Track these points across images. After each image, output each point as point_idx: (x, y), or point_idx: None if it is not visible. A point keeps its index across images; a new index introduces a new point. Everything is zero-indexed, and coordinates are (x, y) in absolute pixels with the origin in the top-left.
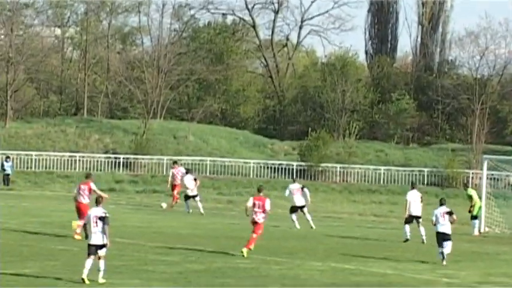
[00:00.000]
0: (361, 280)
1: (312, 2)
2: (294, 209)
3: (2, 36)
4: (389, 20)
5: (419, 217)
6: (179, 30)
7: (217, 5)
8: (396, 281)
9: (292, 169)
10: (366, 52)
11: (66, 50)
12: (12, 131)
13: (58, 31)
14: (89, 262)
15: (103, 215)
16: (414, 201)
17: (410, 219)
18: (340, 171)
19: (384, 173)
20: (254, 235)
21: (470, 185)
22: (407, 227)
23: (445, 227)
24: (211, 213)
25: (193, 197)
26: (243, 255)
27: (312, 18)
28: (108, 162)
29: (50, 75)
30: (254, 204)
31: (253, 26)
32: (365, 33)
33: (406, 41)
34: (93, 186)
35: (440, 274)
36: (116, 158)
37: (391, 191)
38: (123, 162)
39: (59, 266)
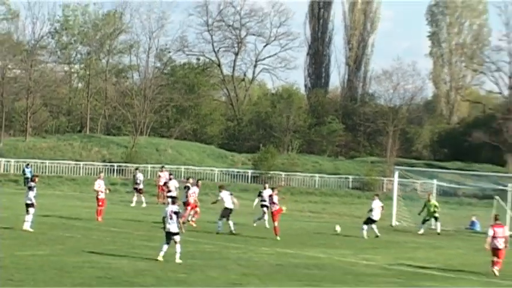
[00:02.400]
0: (300, 262)
1: (264, 47)
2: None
3: (24, 71)
4: (324, 61)
5: (232, 210)
6: (161, 68)
7: (191, 48)
8: (327, 262)
9: (247, 175)
10: (305, 86)
11: (73, 82)
12: (30, 144)
13: (67, 67)
14: (166, 246)
15: (177, 210)
16: (226, 198)
17: (226, 212)
18: (284, 178)
19: (318, 179)
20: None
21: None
22: (220, 221)
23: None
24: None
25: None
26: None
27: (264, 59)
28: (105, 169)
29: (60, 101)
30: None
31: (219, 65)
32: (304, 71)
33: (336, 77)
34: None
35: (361, 258)
36: (111, 165)
37: (323, 193)
38: (116, 169)
39: (66, 249)
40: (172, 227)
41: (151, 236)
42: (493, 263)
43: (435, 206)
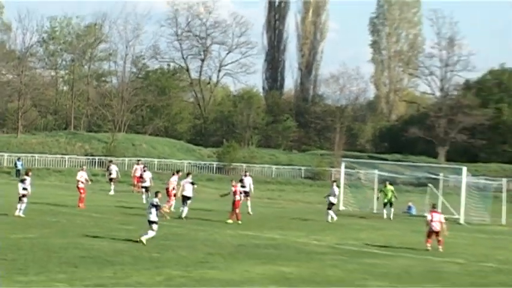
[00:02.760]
0: (259, 242)
1: (227, 54)
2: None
3: (16, 76)
4: (279, 66)
5: (189, 197)
6: (136, 73)
7: (162, 55)
8: (282, 243)
9: (213, 167)
10: (263, 88)
11: (59, 85)
12: (22, 140)
13: (53, 72)
14: (151, 232)
15: (156, 203)
16: (187, 186)
17: (184, 198)
18: (245, 169)
19: (274, 170)
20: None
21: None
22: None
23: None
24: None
25: (147, 188)
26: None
27: (226, 65)
28: (87, 161)
29: (47, 102)
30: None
31: (187, 70)
32: (262, 75)
33: (290, 80)
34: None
35: (312, 238)
36: (92, 158)
37: (279, 182)
38: (98, 162)
39: (53, 232)
40: (152, 216)
41: (129, 220)
42: (427, 241)
43: (392, 191)
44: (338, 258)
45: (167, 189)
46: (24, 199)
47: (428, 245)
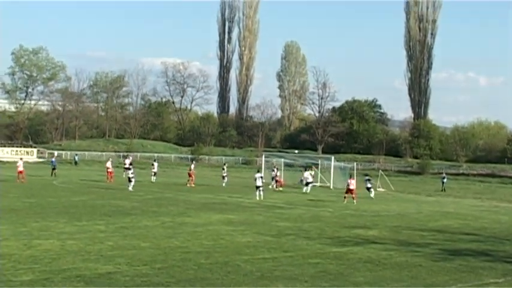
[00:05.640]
0: (215, 201)
1: (196, 92)
2: None
3: (74, 106)
4: (226, 99)
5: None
6: (144, 104)
7: (159, 94)
8: (229, 201)
9: (188, 158)
10: (217, 112)
11: (99, 111)
12: (78, 143)
13: (96, 104)
14: (257, 193)
15: (259, 176)
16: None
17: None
18: (207, 158)
19: (224, 159)
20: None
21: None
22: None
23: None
24: (161, 174)
25: (155, 173)
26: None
27: (196, 99)
28: (116, 155)
29: (92, 121)
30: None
31: (173, 102)
32: (217, 104)
33: (233, 107)
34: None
35: (246, 198)
36: (119, 154)
37: (227, 166)
38: (123, 155)
39: (95, 197)
40: (258, 183)
41: (138, 189)
42: (345, 197)
43: (315, 172)
44: (261, 210)
45: (190, 173)
46: (132, 179)
47: (345, 200)
